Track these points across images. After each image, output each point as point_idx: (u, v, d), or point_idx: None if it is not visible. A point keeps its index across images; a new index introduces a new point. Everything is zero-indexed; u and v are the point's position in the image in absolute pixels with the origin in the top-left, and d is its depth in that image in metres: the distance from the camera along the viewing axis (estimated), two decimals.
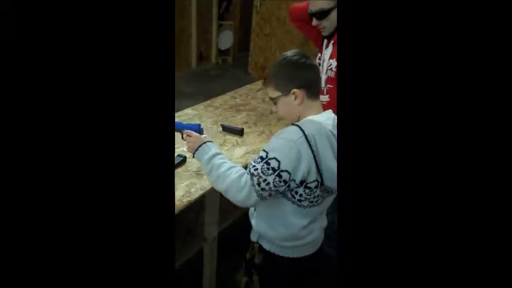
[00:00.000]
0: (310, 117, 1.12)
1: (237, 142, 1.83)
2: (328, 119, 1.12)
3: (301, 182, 1.07)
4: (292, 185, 1.08)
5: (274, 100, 1.14)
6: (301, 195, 1.10)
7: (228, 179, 1.10)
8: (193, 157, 1.23)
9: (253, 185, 1.05)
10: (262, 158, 1.06)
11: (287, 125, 1.17)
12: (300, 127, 1.07)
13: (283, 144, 1.05)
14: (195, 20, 4.71)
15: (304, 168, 1.05)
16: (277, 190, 1.07)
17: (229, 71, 4.99)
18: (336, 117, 1.14)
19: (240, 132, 1.89)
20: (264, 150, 1.07)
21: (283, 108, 1.15)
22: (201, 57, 5.11)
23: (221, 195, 1.69)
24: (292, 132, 1.07)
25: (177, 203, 1.35)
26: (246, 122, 2.06)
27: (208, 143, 1.20)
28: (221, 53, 5.27)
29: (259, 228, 1.22)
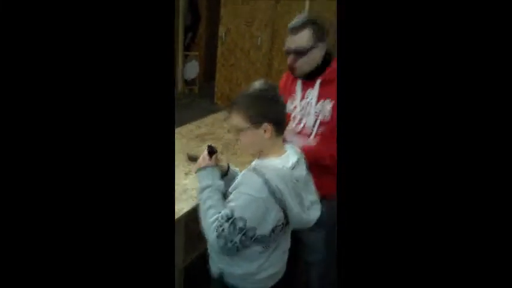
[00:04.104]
0: (271, 162, 1.08)
1: None
2: (288, 161, 1.10)
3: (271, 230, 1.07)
4: (259, 236, 1.06)
5: (240, 130, 1.09)
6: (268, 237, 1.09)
7: (204, 224, 1.08)
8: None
9: (219, 244, 1.04)
10: (228, 218, 1.02)
11: (253, 155, 1.15)
12: (264, 179, 1.01)
13: (250, 201, 1.01)
14: None
15: (271, 221, 1.04)
16: (244, 246, 1.06)
17: (195, 101, 5.02)
18: (300, 156, 1.14)
19: None
20: (229, 208, 1.03)
21: (249, 139, 1.10)
22: None
23: (186, 223, 1.69)
24: (257, 188, 1.01)
25: None
26: None
27: (202, 171, 1.15)
28: (187, 83, 5.30)
29: (222, 264, 1.18)
